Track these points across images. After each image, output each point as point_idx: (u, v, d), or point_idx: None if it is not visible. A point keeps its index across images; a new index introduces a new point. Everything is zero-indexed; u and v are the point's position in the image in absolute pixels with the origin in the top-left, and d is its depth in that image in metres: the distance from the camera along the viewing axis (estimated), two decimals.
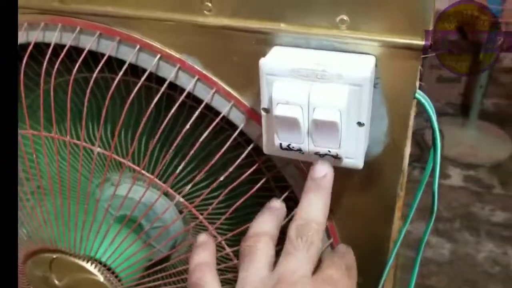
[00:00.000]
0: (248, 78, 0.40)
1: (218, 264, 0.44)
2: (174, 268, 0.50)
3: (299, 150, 0.36)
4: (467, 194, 1.82)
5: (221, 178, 0.40)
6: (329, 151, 0.35)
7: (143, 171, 0.41)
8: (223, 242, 0.43)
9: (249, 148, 0.41)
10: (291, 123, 0.34)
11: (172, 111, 0.40)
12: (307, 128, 0.34)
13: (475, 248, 1.58)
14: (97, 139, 0.41)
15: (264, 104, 0.36)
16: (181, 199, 0.41)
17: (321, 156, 0.36)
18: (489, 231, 1.68)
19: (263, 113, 0.37)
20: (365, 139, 0.35)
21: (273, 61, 0.35)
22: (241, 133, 0.42)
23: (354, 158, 0.36)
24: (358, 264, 0.46)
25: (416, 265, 0.44)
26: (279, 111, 0.34)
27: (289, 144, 0.36)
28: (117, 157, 0.41)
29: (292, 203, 0.44)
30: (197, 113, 0.40)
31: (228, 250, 0.43)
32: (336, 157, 0.35)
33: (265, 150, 0.38)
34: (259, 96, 0.38)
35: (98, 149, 0.41)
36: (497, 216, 1.73)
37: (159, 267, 0.49)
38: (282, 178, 0.44)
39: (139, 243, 0.50)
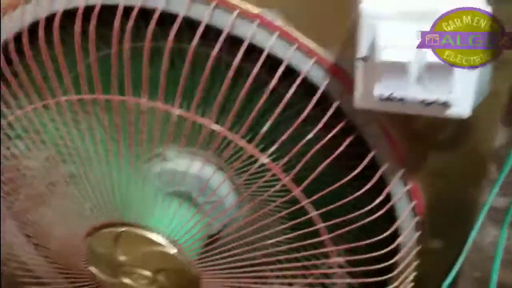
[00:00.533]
0: (334, 30, 0.38)
1: (301, 228, 0.42)
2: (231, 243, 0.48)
3: (401, 100, 0.34)
4: None
5: (310, 136, 0.38)
6: (437, 98, 0.33)
7: (225, 131, 0.39)
8: (306, 206, 0.41)
9: (335, 105, 0.39)
10: (398, 69, 0.32)
11: (255, 71, 0.37)
12: (415, 74, 0.33)
13: (480, 234, 1.58)
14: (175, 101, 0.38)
15: (362, 52, 0.34)
16: (266, 160, 0.39)
17: (427, 105, 0.34)
18: (491, 216, 1.68)
19: (359, 63, 0.35)
20: (474, 85, 0.33)
21: (376, 4, 0.33)
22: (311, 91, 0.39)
23: (462, 106, 0.34)
24: (440, 228, 0.45)
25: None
26: (385, 56, 0.32)
27: (391, 94, 0.34)
28: (199, 119, 0.39)
29: (372, 172, 0.42)
30: (279, 72, 0.38)
31: (313, 213, 0.41)
32: (445, 105, 0.33)
33: (358, 103, 0.36)
34: (345, 50, 0.37)
35: (178, 111, 0.38)
36: (498, 201, 1.73)
37: (225, 239, 0.47)
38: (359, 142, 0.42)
39: (198, 218, 0.48)
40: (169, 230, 0.46)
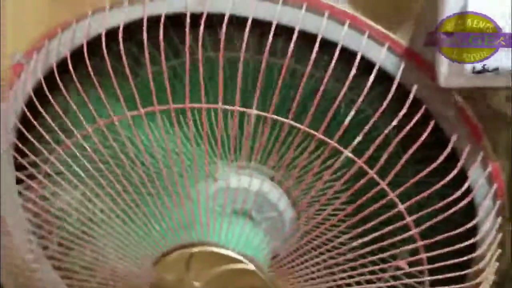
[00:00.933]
0: (402, 11, 0.38)
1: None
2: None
3: (496, 69, 0.33)
4: None
5: (394, 123, 0.37)
6: None
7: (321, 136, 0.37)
8: (395, 199, 0.39)
9: (414, 90, 0.38)
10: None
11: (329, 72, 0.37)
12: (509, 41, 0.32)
13: None
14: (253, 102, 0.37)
15: None
16: (350, 154, 0.38)
17: None
18: None
19: (444, 37, 0.34)
20: None
21: None
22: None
23: None
24: None
25: None
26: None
27: (485, 65, 0.33)
28: (278, 118, 0.37)
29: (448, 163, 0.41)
30: (355, 65, 0.37)
31: (401, 206, 0.39)
32: None
33: (445, 82, 0.36)
34: (416, 30, 0.36)
35: (255, 111, 0.37)
36: None
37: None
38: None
39: (260, 234, 0.46)
40: (243, 247, 0.43)
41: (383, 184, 0.39)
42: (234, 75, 0.39)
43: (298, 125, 0.38)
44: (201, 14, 0.38)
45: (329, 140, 0.38)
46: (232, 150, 0.41)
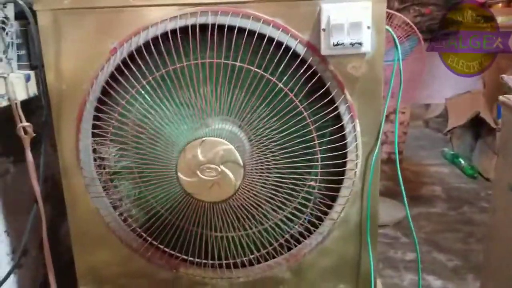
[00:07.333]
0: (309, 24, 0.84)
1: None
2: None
3: (342, 44, 0.79)
4: (381, 245, 2.24)
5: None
6: (357, 40, 0.79)
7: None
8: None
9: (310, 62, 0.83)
10: (339, 28, 0.78)
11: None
12: (347, 29, 0.79)
13: (400, 279, 1.98)
14: None
15: (323, 26, 0.80)
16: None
17: (353, 45, 0.79)
18: (406, 266, 2.10)
19: (322, 31, 0.80)
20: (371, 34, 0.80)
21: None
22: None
23: (367, 46, 0.80)
24: None
25: None
26: (334, 22, 0.79)
27: (338, 41, 0.79)
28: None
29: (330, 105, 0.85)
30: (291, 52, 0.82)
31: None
32: (360, 44, 0.79)
33: (324, 51, 0.81)
34: (314, 34, 0.82)
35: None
36: (408, 255, 2.17)
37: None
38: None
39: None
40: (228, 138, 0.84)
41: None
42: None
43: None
44: None
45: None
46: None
